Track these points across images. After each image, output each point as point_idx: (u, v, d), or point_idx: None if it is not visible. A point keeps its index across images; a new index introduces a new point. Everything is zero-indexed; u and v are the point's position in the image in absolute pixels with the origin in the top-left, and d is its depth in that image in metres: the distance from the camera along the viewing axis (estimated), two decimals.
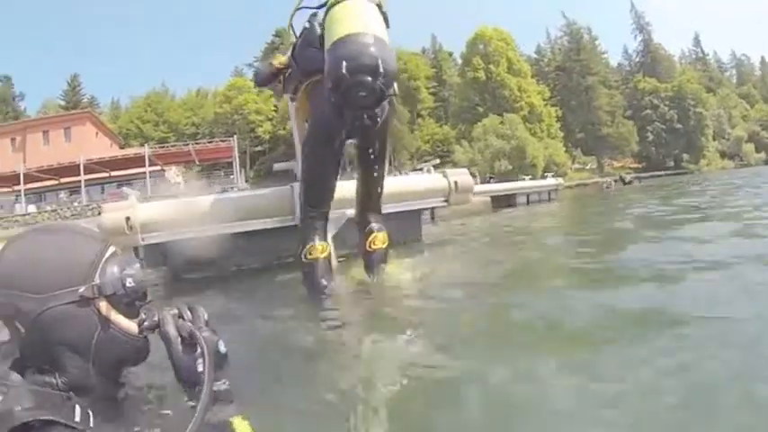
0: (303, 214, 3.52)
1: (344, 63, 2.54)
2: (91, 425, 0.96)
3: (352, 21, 2.73)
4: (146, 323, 1.16)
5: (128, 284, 1.13)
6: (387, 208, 4.39)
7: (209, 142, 49.18)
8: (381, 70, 2.56)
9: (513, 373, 1.65)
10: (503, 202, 15.23)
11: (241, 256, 4.42)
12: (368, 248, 3.51)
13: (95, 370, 1.09)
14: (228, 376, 1.16)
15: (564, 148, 60.35)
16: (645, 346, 1.87)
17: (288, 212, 4.16)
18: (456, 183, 4.82)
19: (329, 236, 3.61)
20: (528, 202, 15.18)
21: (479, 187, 16.77)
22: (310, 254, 3.28)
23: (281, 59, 3.65)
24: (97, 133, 56.20)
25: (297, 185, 3.98)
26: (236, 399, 1.15)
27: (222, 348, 1.17)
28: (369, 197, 3.64)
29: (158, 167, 45.37)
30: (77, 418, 0.94)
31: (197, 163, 50.28)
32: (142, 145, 48.96)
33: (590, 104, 72.38)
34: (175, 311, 1.19)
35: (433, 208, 5.19)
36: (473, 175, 24.47)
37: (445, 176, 4.90)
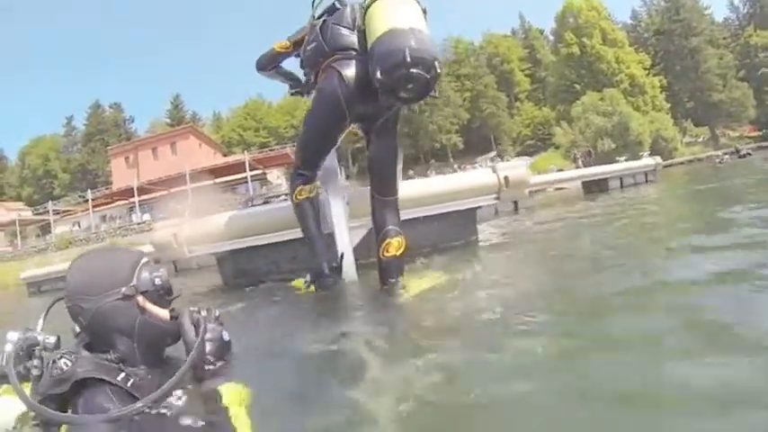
0: (293, 170, 3.61)
1: (407, 51, 2.63)
2: (128, 385, 1.37)
3: (407, 15, 2.83)
4: (173, 314, 1.65)
5: (156, 282, 1.59)
6: (432, 209, 4.38)
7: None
8: (438, 70, 2.72)
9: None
10: (594, 187, 14.10)
11: (288, 264, 4.45)
12: (381, 255, 3.29)
13: (138, 348, 1.52)
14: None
15: (672, 121, 54.80)
16: None
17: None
18: (506, 178, 4.46)
19: (353, 244, 3.69)
20: (622, 186, 13.81)
21: (569, 173, 15.76)
22: (299, 195, 3.46)
23: (281, 44, 3.72)
24: (200, 144, 59.39)
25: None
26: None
27: (225, 337, 1.75)
28: (383, 195, 3.44)
29: (260, 171, 47.44)
30: (119, 379, 1.37)
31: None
32: (244, 151, 51.26)
33: (697, 69, 65.47)
34: (194, 308, 1.70)
35: (484, 206, 4.78)
36: (574, 158, 22.91)
37: (494, 171, 4.55)
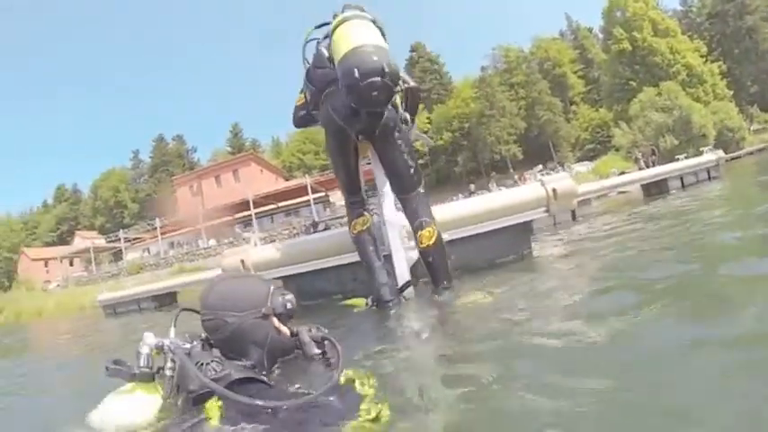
0: (346, 201, 4.01)
1: (356, 70, 2.96)
2: (271, 382, 1.67)
3: (354, 36, 3.13)
4: (294, 330, 2.01)
5: (288, 306, 1.95)
6: (482, 227, 4.46)
7: (368, 163, 50.60)
8: (387, 70, 2.97)
9: None
10: (654, 189, 13.43)
11: (350, 284, 4.59)
12: (419, 249, 3.64)
13: (267, 358, 1.85)
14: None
15: (736, 109, 50.52)
16: None
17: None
18: (554, 190, 4.51)
19: (411, 263, 3.83)
20: (683, 186, 13.07)
21: (624, 177, 15.10)
22: (354, 229, 3.85)
23: (298, 99, 3.97)
24: (262, 170, 61.07)
25: None
26: None
27: (338, 347, 1.91)
28: (404, 193, 3.71)
29: (323, 193, 48.03)
30: (263, 377, 1.67)
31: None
32: (305, 175, 52.04)
33: (757, 49, 61.47)
34: (308, 327, 2.05)
35: (536, 218, 4.83)
36: (636, 159, 21.93)
37: (543, 185, 4.60)
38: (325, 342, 2.02)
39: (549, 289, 3.26)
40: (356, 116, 3.36)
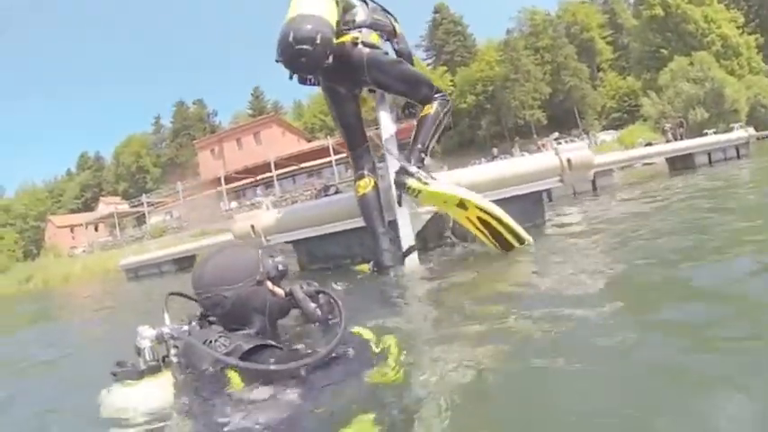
0: (349, 157, 4.24)
1: (291, 34, 3.29)
2: (280, 345, 1.66)
3: (300, 5, 3.46)
4: (287, 290, 2.01)
5: (279, 268, 1.97)
6: (495, 194, 4.30)
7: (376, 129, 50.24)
8: (318, 41, 3.28)
9: None
10: (679, 163, 12.92)
11: (358, 249, 4.56)
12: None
13: (269, 322, 1.87)
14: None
15: None
16: None
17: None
18: (569, 160, 4.37)
19: (413, 232, 3.87)
20: (710, 162, 12.53)
21: (648, 149, 14.65)
22: (358, 191, 3.98)
23: None
24: (284, 132, 60.70)
25: None
26: None
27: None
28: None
29: (344, 154, 48.04)
30: (272, 342, 1.64)
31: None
32: (327, 136, 51.94)
33: None
34: (299, 284, 2.05)
35: (551, 188, 4.71)
36: (664, 131, 21.25)
37: (557, 154, 4.47)
38: (320, 295, 2.06)
39: (538, 263, 3.29)
40: (337, 74, 3.73)
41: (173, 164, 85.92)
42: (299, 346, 1.81)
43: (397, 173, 3.65)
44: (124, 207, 61.21)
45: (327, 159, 45.93)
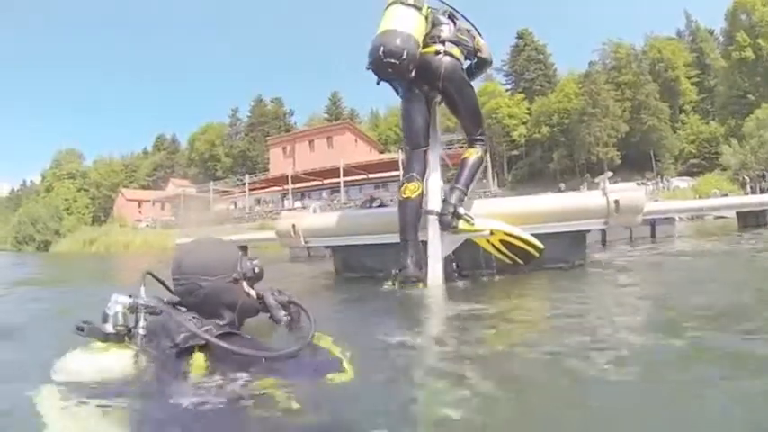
0: (406, 155, 4.47)
1: (382, 47, 3.73)
2: (248, 336, 1.80)
3: (391, 20, 3.90)
4: (258, 293, 2.16)
5: (256, 270, 2.08)
6: (530, 228, 4.22)
7: (461, 147, 49.63)
8: (404, 57, 3.73)
9: None
10: (750, 219, 11.76)
11: (392, 264, 4.49)
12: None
13: (237, 318, 1.97)
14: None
15: None
16: None
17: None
18: (616, 201, 4.15)
19: (445, 253, 3.97)
20: None
21: (716, 201, 13.57)
22: (403, 193, 4.04)
23: None
24: (356, 141, 61.08)
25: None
26: None
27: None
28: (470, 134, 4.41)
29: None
30: (241, 333, 1.82)
31: (450, 167, 51.91)
32: (399, 150, 52.11)
33: None
34: (272, 290, 2.26)
35: (593, 230, 4.56)
36: (743, 183, 19.85)
37: (604, 194, 4.25)
38: (291, 305, 2.26)
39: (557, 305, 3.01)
40: (416, 77, 3.96)
41: (244, 156, 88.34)
42: (267, 344, 1.88)
43: (444, 213, 3.86)
44: (191, 191, 63.05)
45: (396, 173, 45.90)
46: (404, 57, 3.71)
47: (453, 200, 3.88)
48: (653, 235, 10.05)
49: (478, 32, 4.50)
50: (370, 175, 50.06)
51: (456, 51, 4.12)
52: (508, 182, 67.29)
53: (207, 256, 1.95)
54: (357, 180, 49.69)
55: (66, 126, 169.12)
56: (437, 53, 4.01)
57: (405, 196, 4.00)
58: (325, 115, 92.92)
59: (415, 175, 4.09)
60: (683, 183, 43.47)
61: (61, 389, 1.50)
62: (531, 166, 70.07)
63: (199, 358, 1.56)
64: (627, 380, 1.56)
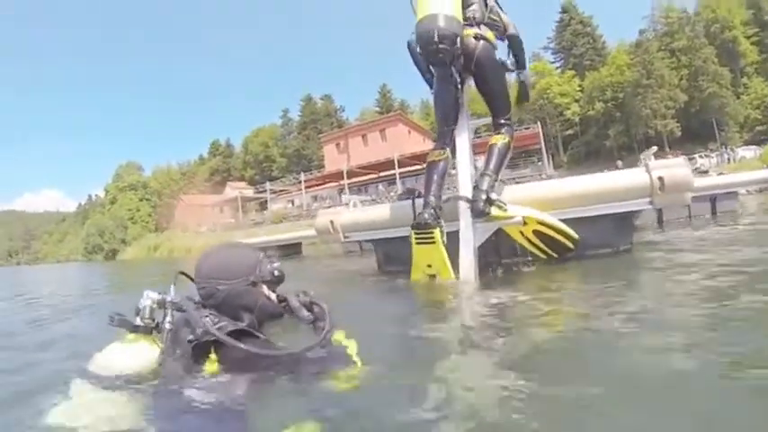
0: (438, 132, 4.48)
1: (435, 33, 3.66)
2: (263, 336, 1.80)
3: (432, 3, 3.78)
4: (282, 296, 2.19)
5: (276, 273, 2.13)
6: (570, 212, 4.10)
7: (515, 130, 48.76)
8: (456, 41, 3.72)
9: None
10: None
11: None
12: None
13: (257, 320, 1.99)
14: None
15: None
16: None
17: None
18: (661, 179, 3.85)
19: (478, 242, 3.92)
20: None
21: (739, 176, 11.18)
22: (430, 157, 4.26)
23: None
24: (409, 131, 60.76)
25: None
26: None
27: (326, 308, 2.10)
28: (498, 117, 4.39)
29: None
30: (257, 332, 1.80)
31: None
32: None
33: None
34: (296, 292, 2.23)
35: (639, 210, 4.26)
36: None
37: (647, 171, 3.95)
38: (314, 306, 2.19)
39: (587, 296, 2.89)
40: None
41: (299, 155, 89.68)
42: (281, 344, 1.88)
43: (476, 200, 3.78)
44: (249, 192, 64.59)
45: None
46: (456, 43, 3.73)
47: (485, 186, 3.81)
48: (713, 212, 9.58)
49: (500, 8, 4.41)
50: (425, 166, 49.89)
51: (490, 35, 4.13)
52: (564, 162, 65.81)
53: (224, 260, 2.02)
54: (412, 171, 49.65)
55: (125, 141, 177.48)
56: (476, 38, 4.02)
57: (431, 159, 4.24)
58: (377, 108, 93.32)
59: (442, 145, 4.29)
60: (749, 152, 41.28)
61: (91, 379, 1.69)
62: (587, 145, 68.18)
63: (212, 359, 1.64)
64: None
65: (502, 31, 4.30)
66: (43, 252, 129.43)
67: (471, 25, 4.06)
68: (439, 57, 3.79)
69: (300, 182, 54.44)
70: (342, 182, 50.75)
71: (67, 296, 7.14)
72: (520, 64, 4.49)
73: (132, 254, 50.44)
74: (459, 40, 3.76)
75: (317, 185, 57.74)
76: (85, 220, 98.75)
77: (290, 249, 14.26)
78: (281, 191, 61.43)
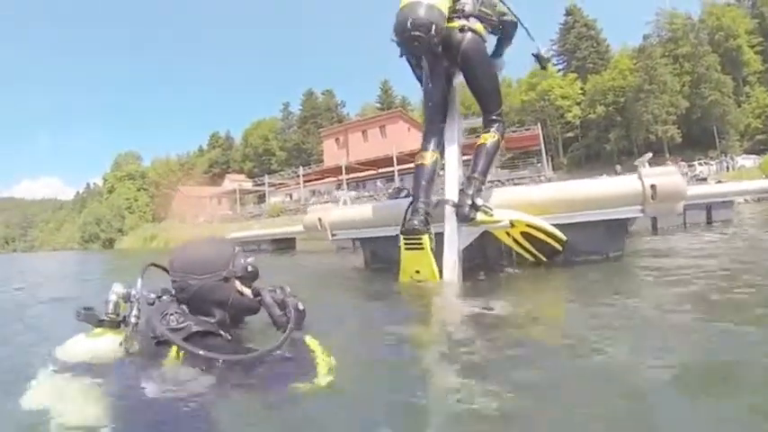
0: (425, 129, 4.44)
1: (409, 21, 3.64)
2: (228, 337, 1.84)
3: None
4: (255, 291, 2.10)
5: (249, 269, 2.05)
6: (561, 218, 4.04)
7: (514, 132, 48.96)
8: (432, 30, 3.66)
9: None
10: None
11: None
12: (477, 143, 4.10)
13: (229, 317, 1.96)
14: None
15: None
16: None
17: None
18: (653, 187, 3.80)
19: (462, 245, 3.87)
20: None
21: (735, 185, 11.22)
22: (419, 159, 4.16)
23: None
24: (409, 129, 60.51)
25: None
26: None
27: (300, 306, 2.11)
28: (489, 113, 4.21)
29: (466, 157, 47.82)
30: (222, 335, 1.81)
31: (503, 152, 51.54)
32: None
33: None
34: (272, 288, 2.15)
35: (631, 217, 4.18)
36: None
37: (639, 178, 3.90)
38: (288, 303, 2.14)
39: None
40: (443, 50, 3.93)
41: (298, 149, 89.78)
42: (250, 344, 1.92)
43: (461, 205, 3.72)
44: (247, 185, 64.67)
45: None
46: (431, 30, 3.66)
47: (471, 191, 3.74)
48: (709, 220, 9.52)
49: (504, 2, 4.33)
50: None
51: (479, 27, 4.03)
52: (564, 165, 65.80)
53: (197, 255, 1.99)
54: (411, 168, 49.66)
55: (124, 131, 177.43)
56: (461, 29, 3.93)
57: (420, 162, 4.13)
58: (377, 104, 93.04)
59: (430, 146, 4.20)
60: (748, 161, 41.32)
61: (56, 370, 1.71)
62: (587, 148, 68.18)
63: (174, 351, 1.66)
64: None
65: (497, 25, 4.26)
66: (40, 240, 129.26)
67: (459, 17, 3.98)
68: (414, 45, 3.75)
69: (299, 176, 54.45)
70: (340, 177, 50.66)
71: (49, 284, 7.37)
72: (507, 41, 4.60)
73: (129, 243, 50.69)
74: (435, 28, 3.68)
75: (316, 180, 57.73)
76: (83, 208, 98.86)
77: (284, 244, 14.28)
78: (280, 184, 61.50)
